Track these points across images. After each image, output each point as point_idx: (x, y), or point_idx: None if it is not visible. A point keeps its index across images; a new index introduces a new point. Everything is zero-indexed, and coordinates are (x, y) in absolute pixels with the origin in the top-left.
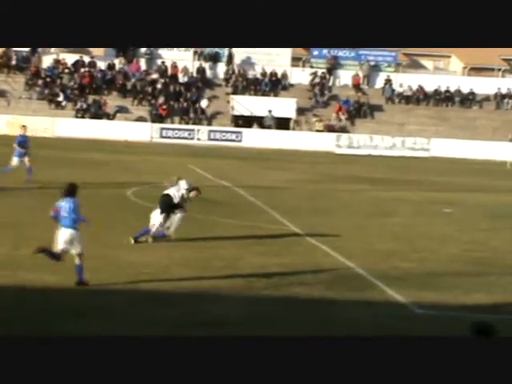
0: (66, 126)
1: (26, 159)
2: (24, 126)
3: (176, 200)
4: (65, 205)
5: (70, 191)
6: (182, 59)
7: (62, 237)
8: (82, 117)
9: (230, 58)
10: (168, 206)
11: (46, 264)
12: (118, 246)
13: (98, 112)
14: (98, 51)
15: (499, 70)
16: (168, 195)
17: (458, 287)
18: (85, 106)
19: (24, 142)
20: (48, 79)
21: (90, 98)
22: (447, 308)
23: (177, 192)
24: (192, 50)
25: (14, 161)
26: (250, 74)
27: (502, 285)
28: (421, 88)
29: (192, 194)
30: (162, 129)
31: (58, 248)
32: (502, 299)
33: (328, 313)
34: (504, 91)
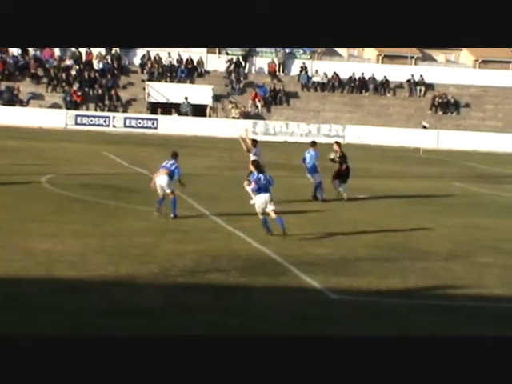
0: None
1: None
2: None
3: None
4: (261, 176)
5: (259, 166)
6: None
7: (262, 200)
8: None
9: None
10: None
11: None
12: (33, 234)
13: (11, 99)
14: None
15: (412, 57)
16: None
17: (372, 272)
18: None
19: None
20: None
21: (3, 85)
22: (361, 293)
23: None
24: None
25: None
26: (166, 60)
27: (415, 270)
28: (336, 75)
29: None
30: (77, 116)
31: (259, 212)
32: (415, 284)
33: (243, 299)
34: (417, 78)
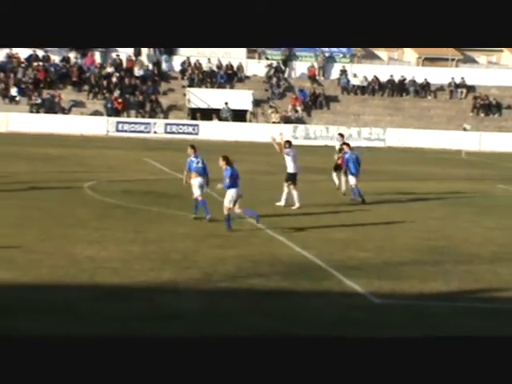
0: (21, 120)
1: None
2: None
3: None
4: (232, 172)
5: (229, 161)
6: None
7: (235, 194)
8: (37, 111)
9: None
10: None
11: (0, 260)
12: (75, 240)
13: (52, 106)
14: None
15: (453, 59)
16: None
17: (415, 276)
18: (39, 100)
19: None
20: (1, 74)
21: (45, 93)
22: (404, 297)
23: None
24: None
25: None
26: (206, 66)
27: (458, 273)
28: (376, 78)
29: None
30: (118, 122)
31: (227, 207)
32: (458, 287)
33: (285, 303)
34: (458, 81)
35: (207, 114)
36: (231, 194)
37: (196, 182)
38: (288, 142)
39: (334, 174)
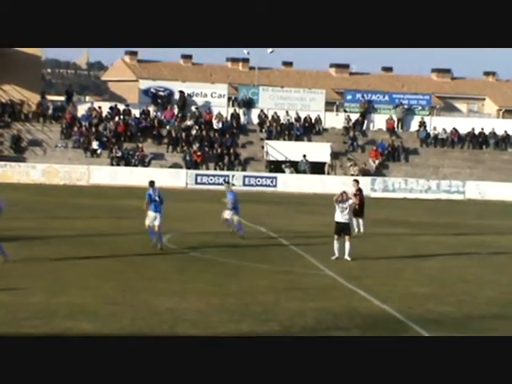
0: (102, 173)
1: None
2: None
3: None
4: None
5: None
6: (216, 105)
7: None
8: (118, 164)
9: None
10: None
11: (83, 311)
12: (156, 292)
13: (133, 159)
14: (132, 99)
15: None
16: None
17: (496, 330)
18: (120, 153)
19: None
20: (83, 128)
21: (125, 146)
22: None
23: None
24: (226, 96)
25: None
26: (284, 119)
27: None
28: (455, 131)
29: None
30: (197, 175)
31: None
32: None
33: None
34: None
35: (285, 166)
36: None
37: (150, 213)
38: (345, 192)
39: (353, 220)
